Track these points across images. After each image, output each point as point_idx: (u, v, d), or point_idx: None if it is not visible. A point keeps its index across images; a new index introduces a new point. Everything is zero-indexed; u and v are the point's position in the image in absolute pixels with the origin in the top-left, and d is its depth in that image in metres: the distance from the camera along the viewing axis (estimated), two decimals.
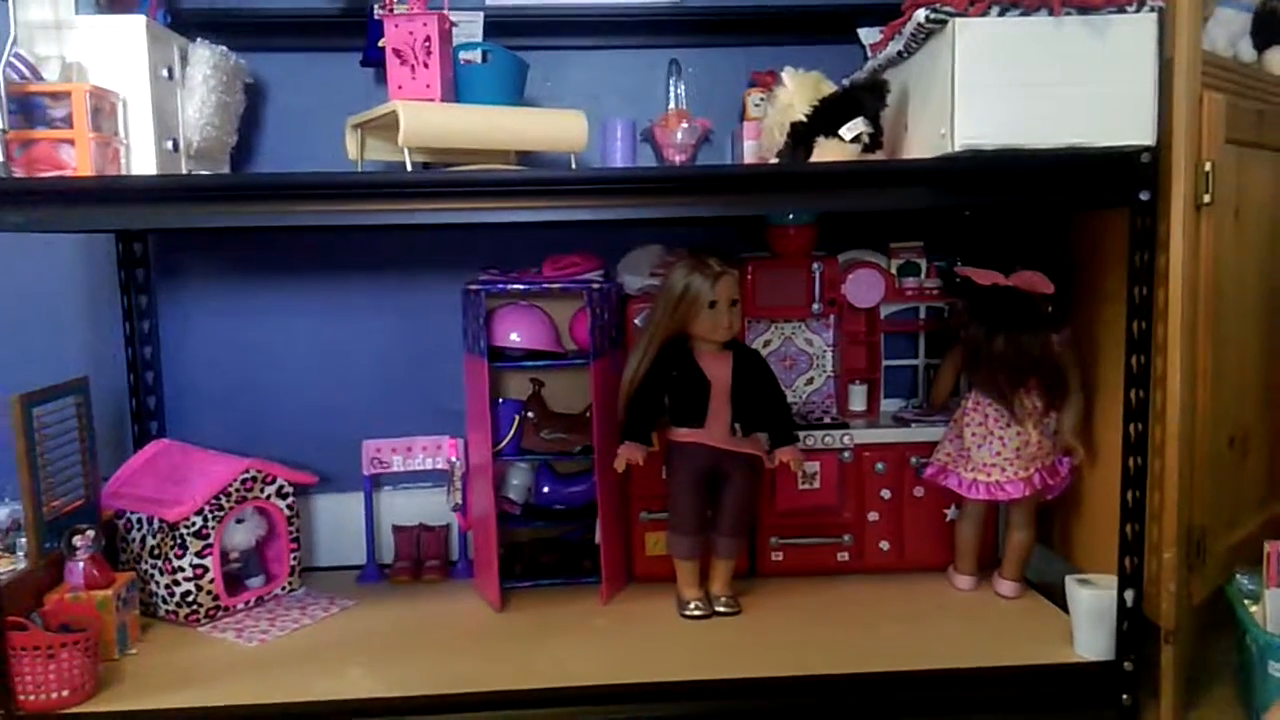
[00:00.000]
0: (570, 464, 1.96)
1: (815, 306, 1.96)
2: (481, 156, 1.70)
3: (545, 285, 1.84)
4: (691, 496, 1.74)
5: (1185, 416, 1.47)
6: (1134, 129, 1.37)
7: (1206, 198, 1.47)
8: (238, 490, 1.81)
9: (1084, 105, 1.36)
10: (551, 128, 1.60)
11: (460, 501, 1.97)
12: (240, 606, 1.81)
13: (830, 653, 1.58)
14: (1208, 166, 1.46)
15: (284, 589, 1.89)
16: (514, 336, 1.86)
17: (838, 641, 1.63)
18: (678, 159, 1.95)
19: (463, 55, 1.63)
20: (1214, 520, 1.60)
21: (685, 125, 1.93)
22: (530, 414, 1.91)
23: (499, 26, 1.90)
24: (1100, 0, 1.33)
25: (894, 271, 2.00)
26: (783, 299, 1.96)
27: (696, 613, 1.73)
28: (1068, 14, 1.34)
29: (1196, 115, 1.44)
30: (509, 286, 1.84)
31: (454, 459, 1.98)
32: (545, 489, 1.97)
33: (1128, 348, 1.45)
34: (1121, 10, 1.34)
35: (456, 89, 1.64)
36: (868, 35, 1.86)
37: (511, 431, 1.88)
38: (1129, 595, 1.49)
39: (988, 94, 1.35)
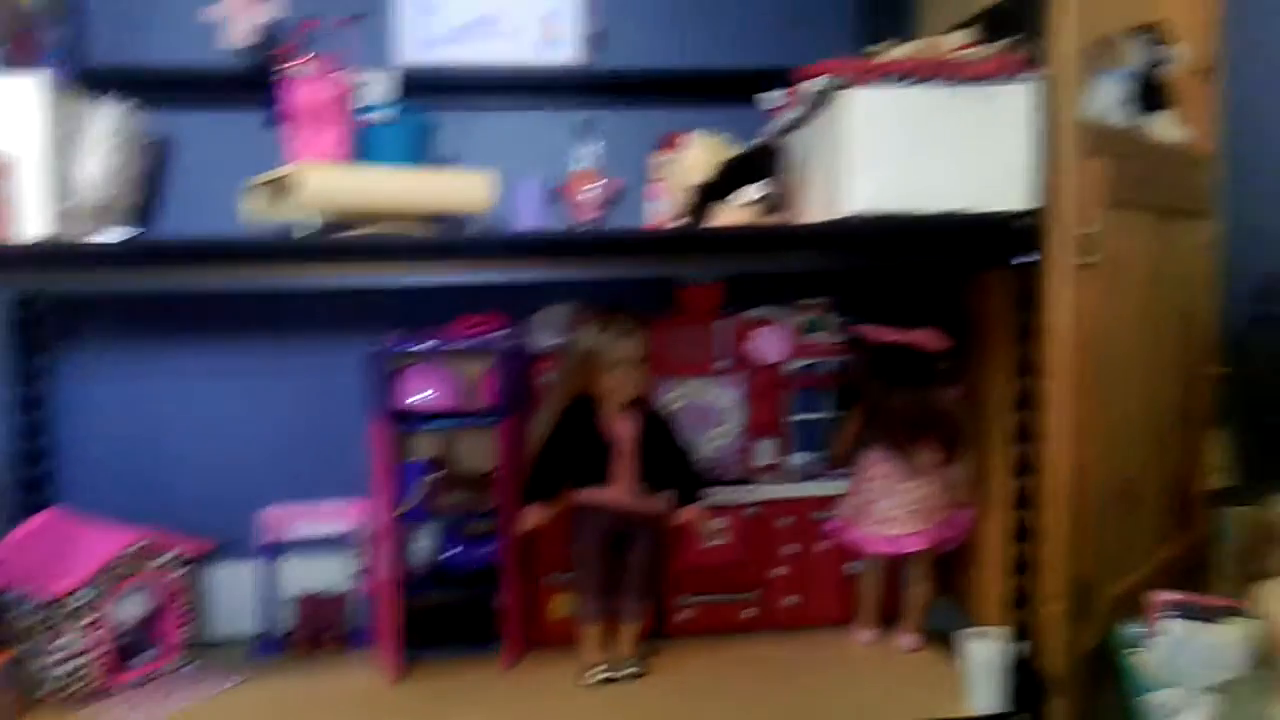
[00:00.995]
0: (480, 525, 1.93)
1: (722, 363, 1.98)
2: (391, 217, 1.69)
3: (451, 345, 1.82)
4: (597, 559, 1.73)
5: (1072, 471, 1.52)
6: (1014, 195, 1.43)
7: (1089, 259, 1.54)
8: (128, 562, 1.73)
9: (968, 172, 1.42)
10: (454, 189, 1.60)
11: (364, 567, 1.92)
12: (129, 684, 1.73)
13: (732, 715, 1.57)
14: (1090, 229, 1.53)
15: (175, 664, 1.81)
16: (421, 397, 1.84)
17: (740, 703, 1.63)
18: (588, 218, 1.97)
19: (367, 116, 1.62)
20: (1103, 570, 1.64)
21: (595, 185, 1.95)
22: (439, 474, 1.88)
23: (411, 86, 1.90)
24: (983, 71, 1.39)
25: (800, 328, 2.03)
26: (690, 356, 1.98)
27: (601, 677, 1.71)
28: (953, 84, 1.40)
29: (1079, 180, 1.51)
30: (415, 347, 1.81)
31: (358, 524, 1.94)
32: (453, 551, 1.94)
33: (1015, 405, 1.50)
34: (1004, 81, 1.41)
35: (361, 149, 1.63)
36: (768, 100, 1.90)
37: (418, 494, 1.85)
38: (1019, 648, 1.52)
39: (878, 161, 1.40)
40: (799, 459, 2.09)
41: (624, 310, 1.74)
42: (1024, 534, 1.51)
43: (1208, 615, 1.60)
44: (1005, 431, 1.59)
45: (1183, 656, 1.55)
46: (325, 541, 1.99)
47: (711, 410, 2.06)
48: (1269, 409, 2.23)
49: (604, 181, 1.95)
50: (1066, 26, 1.45)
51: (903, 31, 1.99)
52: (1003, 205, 1.44)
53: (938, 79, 1.39)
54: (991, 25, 1.55)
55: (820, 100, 1.46)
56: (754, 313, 2.02)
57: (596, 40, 2.01)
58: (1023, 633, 1.53)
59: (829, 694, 1.65)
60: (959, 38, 1.45)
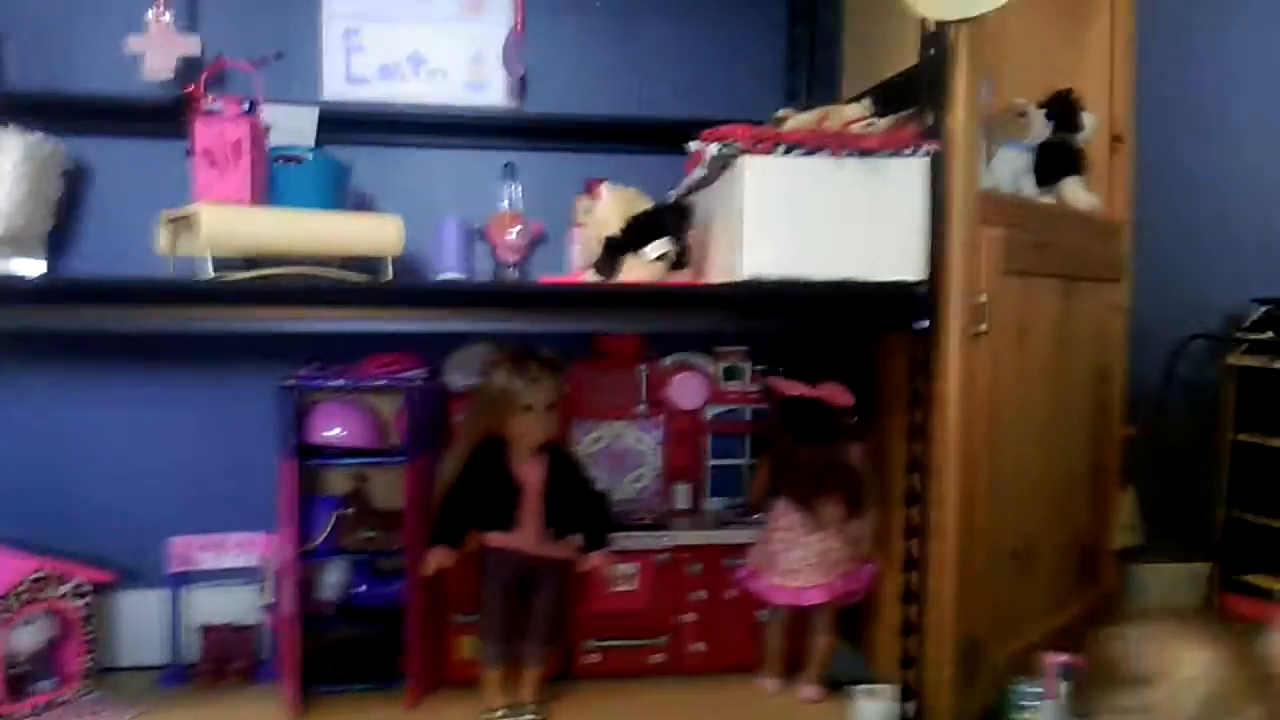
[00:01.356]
0: (390, 563, 1.93)
1: (640, 408, 2.00)
2: (300, 260, 1.69)
3: (364, 383, 1.83)
4: (502, 602, 1.74)
5: (960, 535, 1.54)
6: (907, 264, 1.46)
7: (982, 326, 1.57)
8: (27, 590, 1.72)
9: (861, 241, 1.45)
10: (365, 231, 1.61)
11: (272, 600, 1.91)
12: (26, 712, 1.71)
13: None
14: (982, 298, 1.56)
15: (76, 693, 1.79)
16: (334, 432, 1.84)
17: None
18: (510, 260, 1.99)
19: (279, 157, 1.63)
20: (995, 631, 1.67)
21: (518, 227, 1.97)
22: (350, 510, 1.88)
23: (336, 123, 1.92)
24: (875, 144, 1.43)
25: (718, 374, 2.06)
26: (609, 401, 2.00)
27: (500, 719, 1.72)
28: (848, 155, 1.43)
29: (972, 250, 1.54)
30: (328, 383, 1.82)
31: (266, 557, 1.93)
32: (362, 588, 1.94)
33: (906, 468, 1.53)
34: (896, 154, 1.44)
35: (273, 190, 1.63)
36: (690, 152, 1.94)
37: (327, 529, 1.85)
38: (909, 708, 1.54)
39: (773, 227, 1.43)
40: (715, 503, 2.12)
41: (537, 355, 1.75)
42: (911, 596, 1.53)
43: None
44: (901, 493, 1.62)
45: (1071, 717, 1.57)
46: (233, 573, 1.98)
47: (630, 454, 2.08)
48: (1178, 468, 2.28)
49: (525, 224, 1.96)
50: (962, 100, 1.48)
51: (828, 89, 2.04)
52: (896, 274, 1.47)
53: (831, 150, 1.41)
54: (891, 96, 1.59)
55: (720, 164, 1.48)
56: (673, 358, 2.05)
57: (522, 84, 2.03)
58: (911, 692, 1.55)
59: None
60: (857, 108, 1.48)
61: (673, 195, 1.83)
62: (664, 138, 2.00)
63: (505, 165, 2.02)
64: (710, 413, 2.08)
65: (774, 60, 2.11)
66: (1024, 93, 1.92)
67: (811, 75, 2.07)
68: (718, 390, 2.04)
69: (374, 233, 1.60)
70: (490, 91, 2.02)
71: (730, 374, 2.06)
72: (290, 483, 1.75)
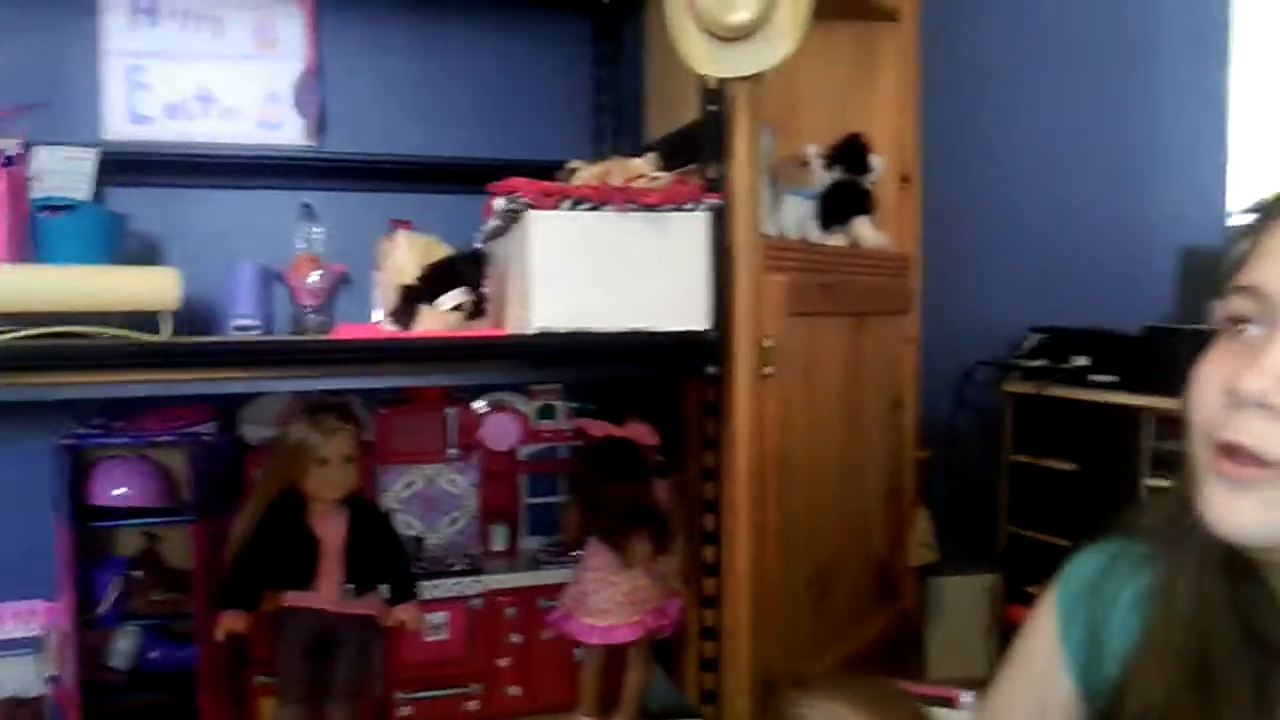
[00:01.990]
0: (185, 626, 1.84)
1: (452, 451, 1.98)
2: (66, 318, 1.59)
3: (149, 438, 1.74)
4: (301, 663, 1.68)
5: (755, 570, 1.60)
6: (692, 313, 1.51)
7: (768, 369, 1.63)
8: None
9: (648, 292, 1.48)
10: (138, 286, 1.53)
11: (55, 672, 1.80)
12: None
13: None
14: (769, 342, 1.63)
15: None
16: (119, 491, 1.75)
17: None
18: (311, 304, 1.93)
19: (44, 207, 1.54)
20: (792, 660, 1.74)
21: (319, 271, 1.92)
22: (139, 573, 1.79)
23: (118, 165, 1.82)
24: (658, 199, 1.46)
25: (532, 414, 2.06)
26: (418, 444, 1.97)
27: None
28: (632, 210, 1.46)
29: (758, 296, 1.61)
30: (109, 440, 1.73)
31: (49, 625, 1.81)
32: (154, 654, 1.84)
33: (700, 508, 1.57)
34: (679, 208, 1.48)
35: (39, 244, 1.54)
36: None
37: (114, 593, 1.75)
38: None
39: (561, 280, 1.44)
40: (534, 542, 2.12)
41: (333, 405, 1.71)
42: (708, 632, 1.57)
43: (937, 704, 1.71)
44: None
45: None
46: (14, 644, 1.85)
47: (444, 497, 2.06)
48: (968, 488, 2.43)
49: (326, 268, 1.92)
50: (742, 154, 1.54)
51: (634, 134, 2.09)
52: (683, 323, 1.51)
53: (615, 205, 1.44)
54: (678, 148, 1.64)
55: (510, 216, 1.49)
56: (486, 399, 2.04)
57: (321, 123, 1.98)
58: None
59: None
60: (641, 163, 1.51)
61: (478, 241, 1.82)
62: (469, 179, 1.99)
63: (303, 206, 1.97)
64: (525, 452, 2.09)
65: (580, 103, 2.14)
66: (819, 137, 2.02)
67: (618, 120, 2.11)
68: (532, 430, 2.05)
69: (148, 286, 1.52)
70: (287, 130, 1.96)
71: (544, 413, 2.07)
72: (67, 547, 1.65)
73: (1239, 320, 0.71)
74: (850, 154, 2.06)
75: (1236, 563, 0.78)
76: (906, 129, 2.23)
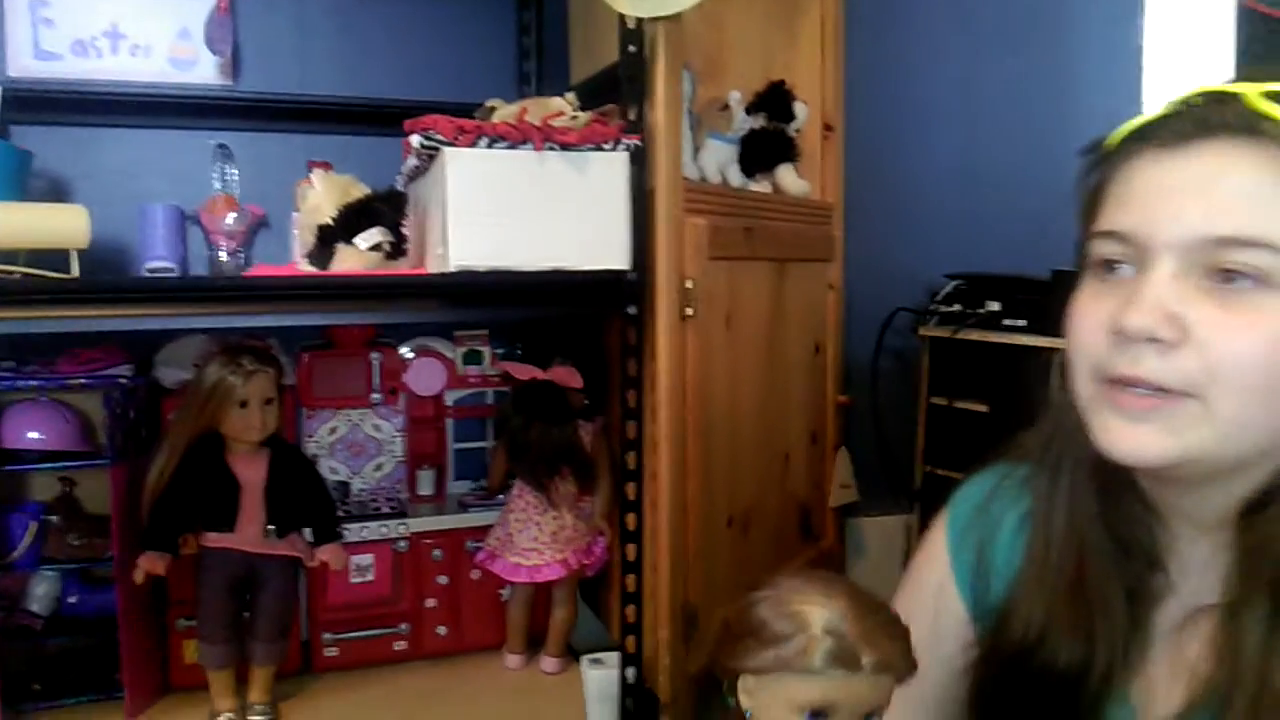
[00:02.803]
0: (107, 570, 1.82)
1: (375, 396, 1.98)
2: None
3: (61, 381, 1.71)
4: (222, 603, 1.69)
5: (675, 507, 1.64)
6: (611, 253, 1.52)
7: (689, 311, 1.66)
8: None
9: (566, 232, 1.49)
10: (47, 224, 1.50)
11: None
12: None
13: None
14: (688, 284, 1.65)
15: None
16: (31, 435, 1.72)
17: None
18: (227, 246, 1.90)
19: None
20: (712, 594, 1.79)
21: (234, 213, 1.89)
22: (55, 518, 1.76)
23: (22, 103, 1.76)
24: (576, 139, 1.47)
25: (458, 359, 2.06)
26: (342, 389, 1.96)
27: None
28: (550, 149, 1.47)
29: (678, 238, 1.62)
30: (18, 383, 1.69)
31: None
32: (73, 598, 1.83)
33: (622, 447, 1.60)
34: (598, 148, 1.49)
35: None
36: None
37: (28, 539, 1.73)
38: (630, 673, 1.62)
39: (477, 219, 1.44)
40: (460, 487, 2.14)
41: (252, 348, 1.69)
42: (629, 566, 1.61)
43: None
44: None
45: None
46: None
47: (370, 442, 2.06)
48: (887, 430, 2.50)
49: (243, 210, 1.89)
50: (662, 95, 1.55)
51: (560, 76, 2.07)
52: (603, 263, 1.52)
53: (533, 144, 1.44)
54: (599, 89, 1.64)
55: (429, 154, 1.48)
56: (411, 344, 2.04)
57: (235, 61, 1.94)
58: (634, 658, 1.63)
59: (464, 717, 1.69)
60: (561, 102, 1.51)
61: (398, 182, 1.81)
62: (390, 120, 1.95)
63: (218, 147, 1.92)
64: (452, 398, 2.09)
65: (504, 46, 2.12)
66: (743, 84, 2.03)
67: (541, 62, 2.10)
68: (458, 375, 2.05)
69: (55, 224, 1.49)
70: (200, 69, 1.91)
71: (470, 358, 2.07)
72: None
73: (1110, 262, 0.75)
74: (774, 101, 2.07)
75: (1109, 479, 0.83)
76: (830, 78, 2.26)
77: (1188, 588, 0.81)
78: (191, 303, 1.41)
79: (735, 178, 1.90)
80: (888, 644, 0.72)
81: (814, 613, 0.73)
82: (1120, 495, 0.83)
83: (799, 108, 2.09)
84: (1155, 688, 0.81)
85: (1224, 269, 0.67)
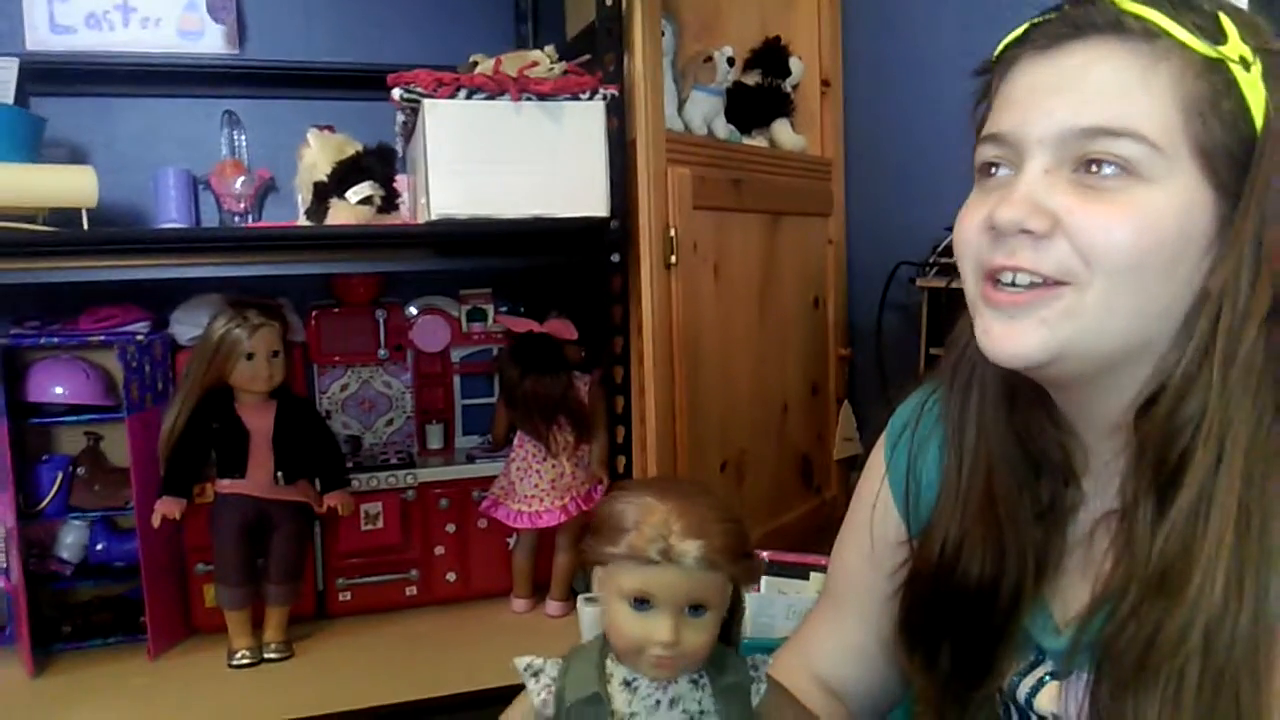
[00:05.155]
0: (129, 519, 1.92)
1: (382, 352, 2.05)
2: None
3: (82, 338, 1.80)
4: (236, 547, 1.77)
5: (664, 449, 1.68)
6: (592, 202, 1.56)
7: (673, 259, 1.70)
8: None
9: (546, 181, 1.53)
10: (58, 184, 1.58)
11: (3, 563, 1.88)
12: None
13: (385, 684, 1.67)
14: (673, 232, 1.69)
15: None
16: (57, 390, 1.82)
17: (394, 673, 1.72)
18: (237, 209, 1.98)
19: None
20: None
21: (242, 177, 1.97)
22: (81, 469, 1.86)
23: (40, 75, 1.85)
24: (551, 88, 1.51)
25: (462, 317, 2.12)
26: (349, 346, 2.04)
27: (243, 661, 1.76)
28: (527, 99, 1.51)
29: (660, 187, 1.66)
30: (42, 340, 1.79)
31: None
32: (100, 546, 1.93)
33: (608, 391, 1.64)
34: (574, 98, 1.53)
35: None
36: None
37: (55, 489, 1.83)
38: None
39: (456, 169, 1.49)
40: (468, 441, 2.20)
41: (258, 303, 1.77)
42: None
43: (793, 573, 1.80)
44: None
45: (766, 612, 1.74)
46: None
47: (380, 398, 2.13)
48: (890, 383, 2.51)
49: (250, 173, 1.96)
50: (641, 45, 1.58)
51: (556, 37, 2.11)
52: (583, 211, 1.56)
53: (510, 95, 1.49)
54: (582, 43, 1.68)
55: (411, 108, 1.54)
56: (417, 303, 2.10)
57: (241, 30, 2.01)
58: None
59: (479, 661, 1.75)
60: (538, 54, 1.55)
61: (396, 143, 1.87)
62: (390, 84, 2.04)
63: (226, 113, 2.00)
64: (458, 355, 2.16)
65: (501, 8, 2.16)
66: (740, 41, 2.05)
67: (537, 23, 2.14)
68: (462, 333, 2.11)
69: (70, 185, 1.58)
70: (208, 39, 1.99)
71: (474, 316, 2.13)
72: (6, 443, 1.71)
73: (990, 165, 0.77)
74: (770, 57, 2.10)
75: (1016, 391, 0.84)
76: (827, 34, 2.27)
77: (1097, 495, 0.82)
78: (189, 253, 1.48)
79: (721, 130, 1.93)
80: (716, 540, 0.74)
81: (648, 506, 0.76)
82: (1030, 410, 0.84)
83: (794, 63, 2.11)
84: (1068, 593, 0.83)
85: (1092, 159, 0.69)
